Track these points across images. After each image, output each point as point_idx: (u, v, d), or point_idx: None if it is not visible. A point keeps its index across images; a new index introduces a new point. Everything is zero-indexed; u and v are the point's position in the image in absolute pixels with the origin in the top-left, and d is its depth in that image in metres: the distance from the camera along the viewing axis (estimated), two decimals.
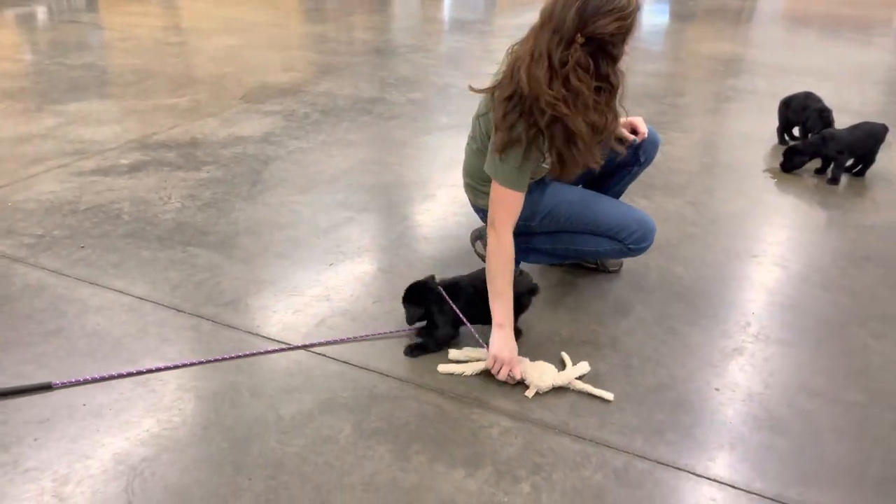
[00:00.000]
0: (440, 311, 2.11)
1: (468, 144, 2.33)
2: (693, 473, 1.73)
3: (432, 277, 2.16)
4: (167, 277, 2.47)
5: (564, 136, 1.96)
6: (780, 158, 3.79)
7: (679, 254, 2.82)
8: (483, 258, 2.56)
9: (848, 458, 1.80)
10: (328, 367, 2.05)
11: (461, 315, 2.10)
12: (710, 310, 2.45)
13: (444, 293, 2.10)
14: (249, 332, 2.18)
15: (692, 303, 2.48)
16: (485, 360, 2.03)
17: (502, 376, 2.00)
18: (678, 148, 4.09)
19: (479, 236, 2.60)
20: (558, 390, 1.98)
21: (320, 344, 2.13)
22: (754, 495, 1.67)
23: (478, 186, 2.34)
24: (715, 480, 1.71)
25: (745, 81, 5.90)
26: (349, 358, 2.09)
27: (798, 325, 2.39)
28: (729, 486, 1.70)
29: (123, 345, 2.09)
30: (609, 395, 1.98)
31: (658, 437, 1.84)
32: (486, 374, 2.03)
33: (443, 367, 2.05)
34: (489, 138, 2.11)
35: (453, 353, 2.09)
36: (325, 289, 2.46)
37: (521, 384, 2.00)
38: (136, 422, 1.79)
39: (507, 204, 2.08)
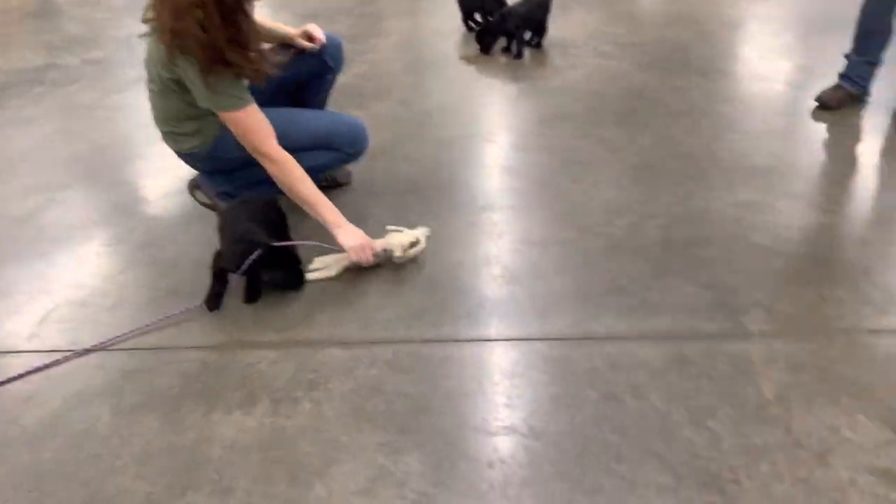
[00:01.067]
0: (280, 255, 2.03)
1: (149, 90, 2.17)
2: (454, 340, 1.89)
3: (258, 241, 1.97)
4: None
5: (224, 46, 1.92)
6: (475, 45, 4.05)
7: (401, 152, 2.94)
8: (206, 206, 2.47)
9: (571, 287, 2.08)
10: (66, 361, 1.87)
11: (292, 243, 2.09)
12: (439, 195, 2.60)
13: (276, 243, 2.01)
14: None
15: (423, 194, 2.61)
16: (345, 256, 2.11)
17: (368, 258, 2.08)
18: (379, 53, 4.19)
19: (197, 185, 2.47)
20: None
21: (112, 341, 1.93)
22: (505, 341, 1.88)
23: (176, 130, 2.20)
24: (473, 340, 1.89)
25: None
26: (87, 343, 1.92)
27: (515, 188, 2.65)
28: (485, 340, 1.89)
29: None
30: (424, 229, 2.21)
31: (417, 321, 1.96)
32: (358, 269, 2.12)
33: (311, 276, 2.11)
34: (167, 78, 2.02)
35: (314, 264, 2.16)
36: (41, 281, 2.20)
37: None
38: None
39: (252, 124, 2.05)
